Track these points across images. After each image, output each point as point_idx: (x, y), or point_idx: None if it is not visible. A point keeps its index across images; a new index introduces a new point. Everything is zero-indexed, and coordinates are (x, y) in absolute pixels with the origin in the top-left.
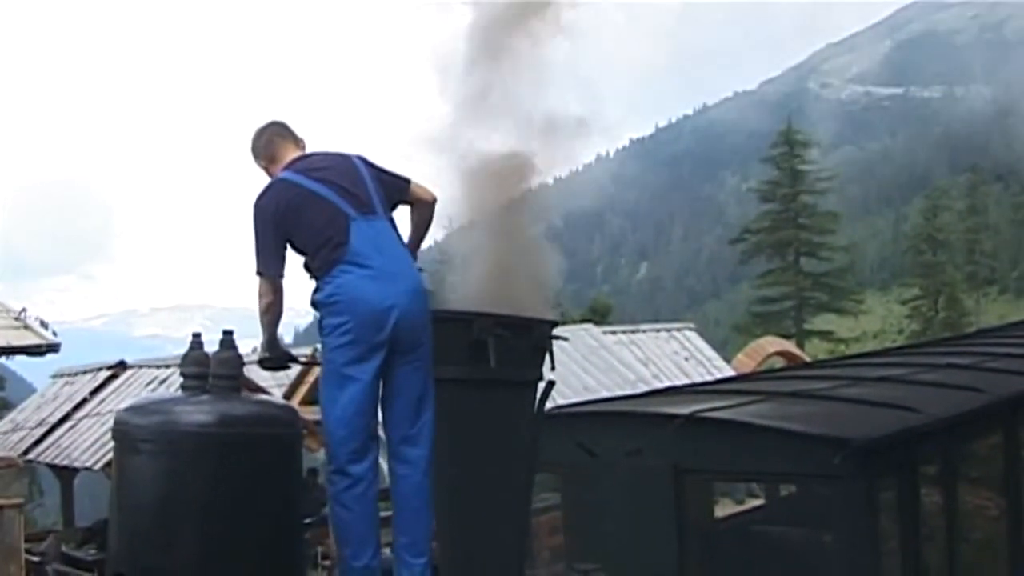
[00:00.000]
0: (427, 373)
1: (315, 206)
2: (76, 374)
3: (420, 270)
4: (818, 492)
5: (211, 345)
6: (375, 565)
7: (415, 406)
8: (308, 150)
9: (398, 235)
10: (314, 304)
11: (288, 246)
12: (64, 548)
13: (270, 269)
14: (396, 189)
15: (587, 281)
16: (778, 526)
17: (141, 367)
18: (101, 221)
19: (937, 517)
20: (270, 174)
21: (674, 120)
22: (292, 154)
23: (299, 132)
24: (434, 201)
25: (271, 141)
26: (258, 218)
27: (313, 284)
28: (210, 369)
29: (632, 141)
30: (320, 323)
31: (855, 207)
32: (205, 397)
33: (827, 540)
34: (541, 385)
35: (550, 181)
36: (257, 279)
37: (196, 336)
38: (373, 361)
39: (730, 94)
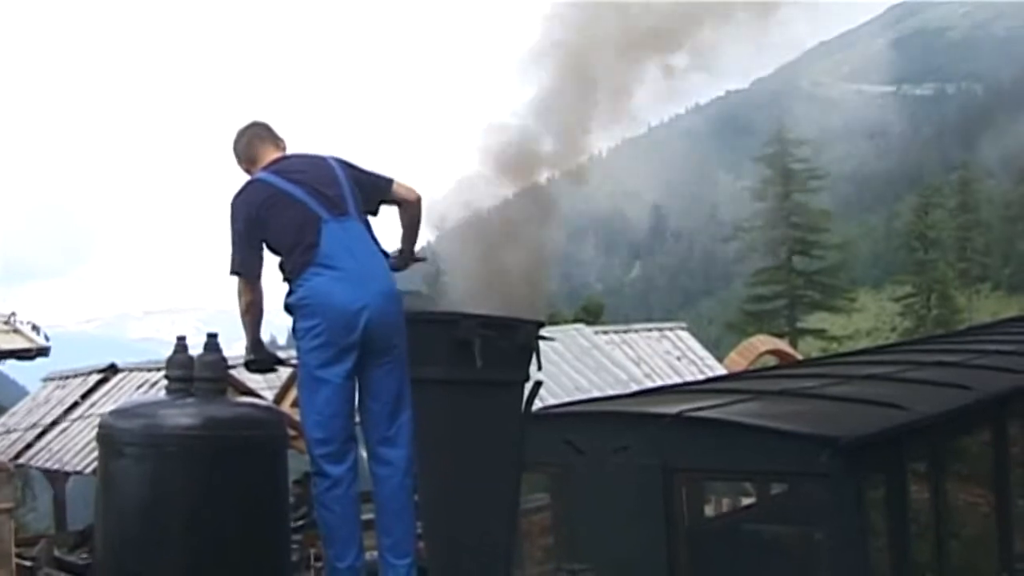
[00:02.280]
0: (402, 374)
1: (288, 207)
2: (67, 377)
3: (423, 259)
4: (806, 490)
5: (201, 348)
6: (359, 565)
7: (392, 407)
8: (291, 151)
9: (373, 237)
10: (287, 307)
11: (264, 246)
12: (56, 552)
13: (246, 269)
14: (376, 189)
15: (580, 281)
16: (767, 524)
17: (132, 370)
18: (93, 224)
19: (926, 514)
20: (251, 176)
21: (667, 120)
22: (271, 155)
23: (282, 132)
24: (419, 200)
25: (250, 143)
26: (233, 218)
27: (286, 287)
28: (195, 372)
29: (625, 141)
30: (293, 326)
31: (847, 205)
32: (190, 400)
33: (816, 538)
34: (528, 385)
35: (543, 182)
36: (236, 279)
37: (181, 339)
38: (345, 363)
39: (722, 93)
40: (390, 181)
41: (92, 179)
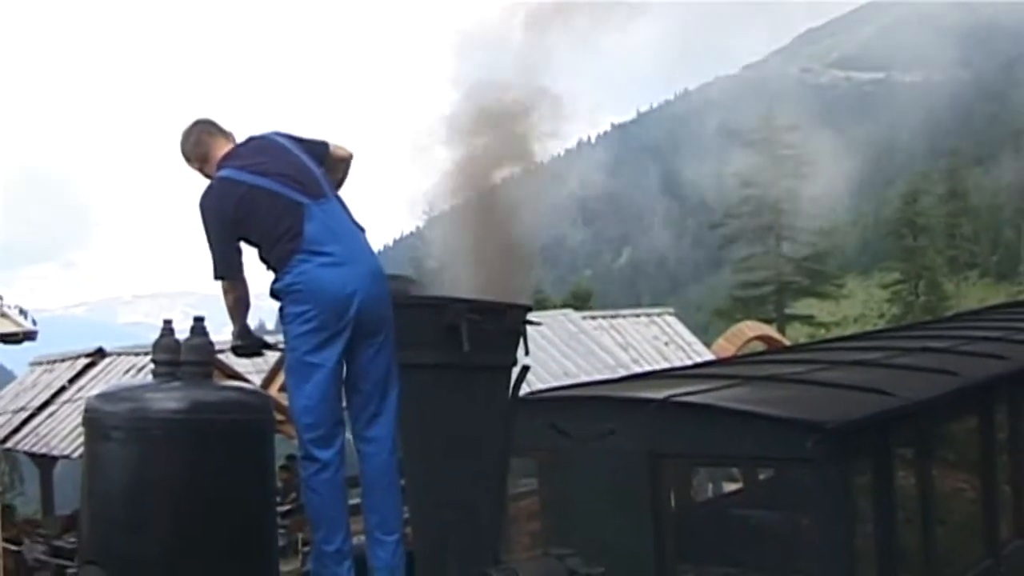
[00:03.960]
0: (391, 353)
1: (265, 202)
2: (55, 361)
3: None
4: (793, 476)
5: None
6: (346, 549)
7: (381, 387)
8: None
9: (350, 215)
10: (274, 293)
11: (243, 242)
12: (40, 540)
13: (230, 271)
14: (317, 156)
15: (569, 267)
16: (754, 510)
17: (120, 354)
18: (82, 208)
19: (912, 500)
20: (205, 174)
21: (656, 105)
22: (223, 149)
23: (239, 120)
24: (351, 157)
25: (200, 140)
26: (208, 222)
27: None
28: (181, 356)
29: (614, 126)
30: (281, 312)
31: (836, 191)
32: (176, 384)
33: (803, 523)
34: (516, 370)
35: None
36: (220, 282)
37: (167, 323)
38: (336, 346)
39: (711, 79)
40: (327, 144)
41: (83, 164)
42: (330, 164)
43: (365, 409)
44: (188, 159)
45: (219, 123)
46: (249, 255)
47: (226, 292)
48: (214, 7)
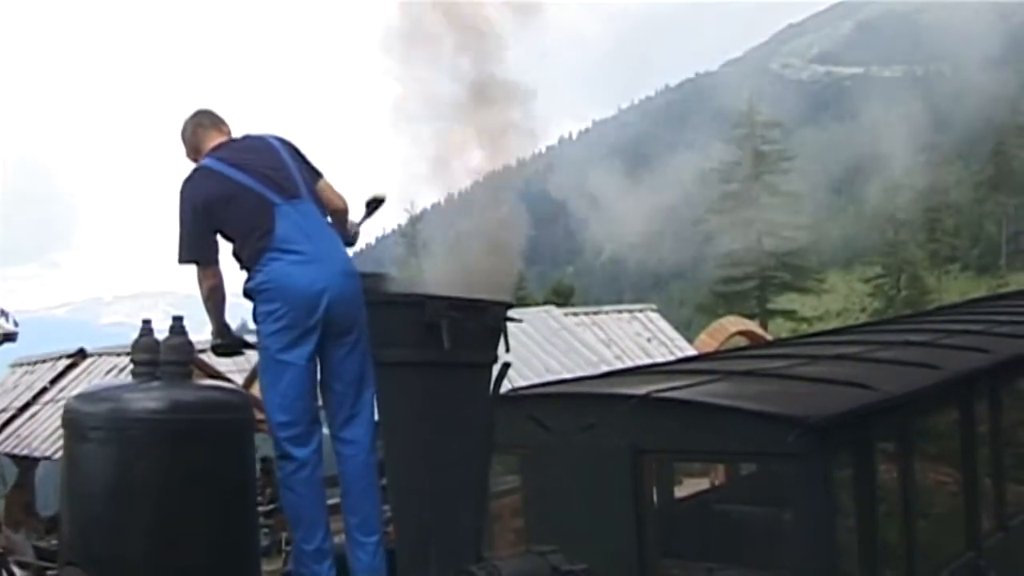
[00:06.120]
0: (363, 353)
1: (238, 195)
2: (36, 363)
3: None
4: (775, 471)
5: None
6: (326, 547)
7: (355, 387)
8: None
9: (324, 216)
10: (246, 293)
11: (219, 235)
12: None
13: (202, 256)
14: (313, 177)
15: (551, 263)
16: (736, 505)
17: (101, 355)
18: (64, 209)
19: (894, 493)
20: (197, 164)
21: (637, 101)
22: (214, 141)
23: (226, 117)
24: (346, 209)
25: (195, 132)
26: (181, 206)
27: (244, 273)
28: (160, 355)
29: (595, 122)
30: (254, 311)
31: (817, 186)
32: (155, 383)
33: (785, 518)
34: (497, 367)
35: (512, 163)
36: (194, 268)
37: (146, 322)
38: (307, 345)
39: (692, 75)
40: (319, 175)
41: (65, 165)
42: (324, 204)
43: (340, 410)
44: (185, 149)
45: (217, 114)
46: (225, 251)
47: (199, 281)
48: (202, 13)
